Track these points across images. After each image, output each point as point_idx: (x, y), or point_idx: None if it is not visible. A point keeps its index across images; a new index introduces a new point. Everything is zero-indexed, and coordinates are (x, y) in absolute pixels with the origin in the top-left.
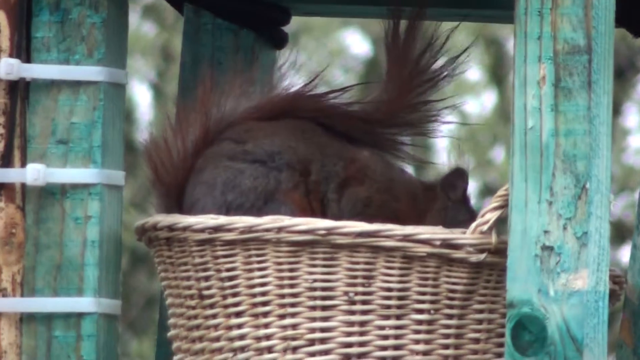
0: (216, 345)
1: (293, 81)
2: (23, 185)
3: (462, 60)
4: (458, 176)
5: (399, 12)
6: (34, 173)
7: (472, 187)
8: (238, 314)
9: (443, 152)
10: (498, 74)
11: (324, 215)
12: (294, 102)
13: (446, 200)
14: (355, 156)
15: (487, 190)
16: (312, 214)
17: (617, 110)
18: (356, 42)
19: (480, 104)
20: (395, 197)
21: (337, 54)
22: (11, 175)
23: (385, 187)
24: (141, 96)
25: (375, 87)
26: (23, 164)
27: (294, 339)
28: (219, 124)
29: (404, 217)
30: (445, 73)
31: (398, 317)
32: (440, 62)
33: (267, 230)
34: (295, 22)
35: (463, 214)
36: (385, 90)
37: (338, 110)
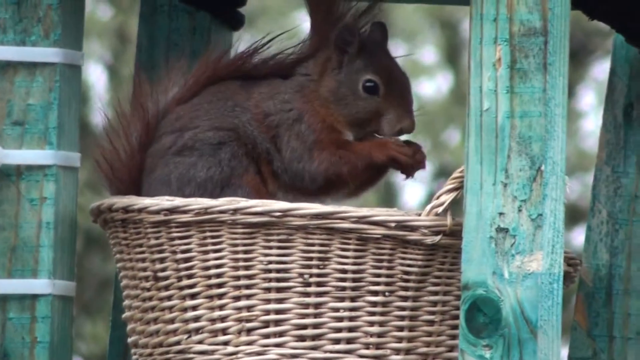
0: (171, 327)
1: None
2: None
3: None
4: (348, 31)
5: None
6: None
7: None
8: (193, 296)
9: None
10: (453, 56)
11: (277, 184)
12: (216, 70)
13: (341, 57)
14: (255, 97)
15: (442, 173)
16: (267, 193)
17: (570, 92)
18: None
19: (436, 85)
20: (298, 116)
21: (293, 36)
22: None
23: (288, 118)
24: (97, 78)
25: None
26: None
27: (248, 320)
28: (156, 116)
29: (315, 120)
30: (366, 10)
31: (352, 299)
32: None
33: (223, 212)
34: (253, 4)
35: (358, 64)
36: (310, 36)
37: (263, 67)
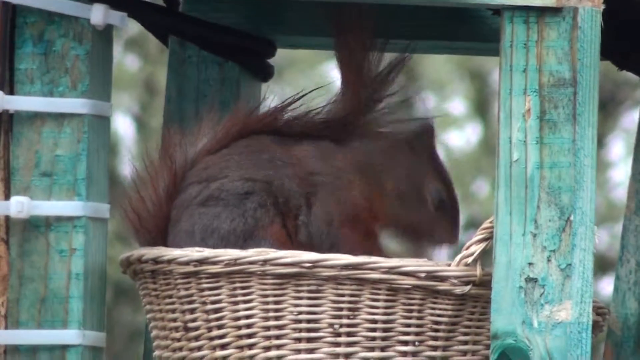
0: None
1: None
2: (7, 218)
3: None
4: (425, 130)
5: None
6: (17, 206)
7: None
8: (223, 346)
9: None
10: (482, 107)
11: (299, 239)
12: (246, 124)
13: (413, 156)
14: (297, 155)
15: (472, 223)
16: (292, 245)
17: (600, 143)
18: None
19: (465, 136)
20: (347, 185)
21: (325, 92)
22: None
23: (335, 183)
24: (125, 129)
25: (330, 97)
26: (7, 197)
27: None
28: (184, 167)
29: (363, 199)
30: (397, 64)
31: (383, 349)
32: (391, 60)
33: (252, 262)
34: (281, 56)
35: (425, 164)
36: (341, 93)
37: (294, 124)
